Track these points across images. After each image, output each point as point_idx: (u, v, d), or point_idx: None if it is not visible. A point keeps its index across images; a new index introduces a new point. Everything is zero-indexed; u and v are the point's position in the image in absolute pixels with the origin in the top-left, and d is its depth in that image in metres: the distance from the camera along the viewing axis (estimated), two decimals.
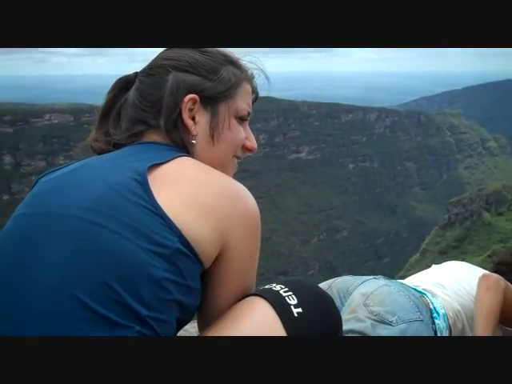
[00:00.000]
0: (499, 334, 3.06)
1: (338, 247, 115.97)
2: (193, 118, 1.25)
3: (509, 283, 2.93)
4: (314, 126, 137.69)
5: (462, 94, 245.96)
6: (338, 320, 1.30)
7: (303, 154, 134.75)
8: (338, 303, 2.50)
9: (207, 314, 1.18)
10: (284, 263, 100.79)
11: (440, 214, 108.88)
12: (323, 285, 2.60)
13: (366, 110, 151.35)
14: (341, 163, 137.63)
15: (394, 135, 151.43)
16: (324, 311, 1.23)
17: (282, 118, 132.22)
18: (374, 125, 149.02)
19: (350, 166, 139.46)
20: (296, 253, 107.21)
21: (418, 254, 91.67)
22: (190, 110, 1.25)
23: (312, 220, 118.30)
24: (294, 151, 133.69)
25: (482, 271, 3.10)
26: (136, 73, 1.39)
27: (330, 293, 2.56)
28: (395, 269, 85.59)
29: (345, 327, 2.14)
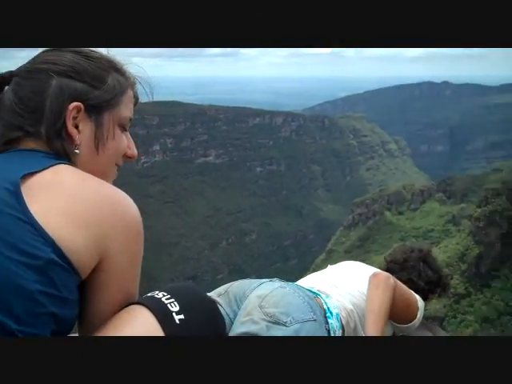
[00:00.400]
0: (390, 330, 3.21)
1: (246, 250, 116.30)
2: (76, 127, 1.18)
3: (399, 281, 3.06)
4: (222, 130, 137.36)
5: (363, 98, 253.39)
6: (221, 325, 1.29)
7: (211, 158, 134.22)
8: (234, 307, 2.53)
9: (88, 324, 1.13)
10: (193, 268, 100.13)
11: (344, 215, 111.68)
12: (220, 289, 2.58)
13: (272, 114, 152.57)
14: (248, 166, 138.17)
15: (299, 139, 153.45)
16: (207, 317, 1.22)
17: (190, 122, 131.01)
18: (281, 128, 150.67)
19: (258, 169, 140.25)
20: (205, 257, 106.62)
21: (323, 254, 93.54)
22: (74, 118, 1.18)
23: (220, 223, 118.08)
24: (202, 155, 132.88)
25: (374, 270, 3.23)
26: (11, 72, 1.27)
27: (226, 297, 2.61)
28: (302, 270, 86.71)
29: (240, 330, 2.21)
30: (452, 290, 74.53)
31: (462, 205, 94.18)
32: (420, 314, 3.12)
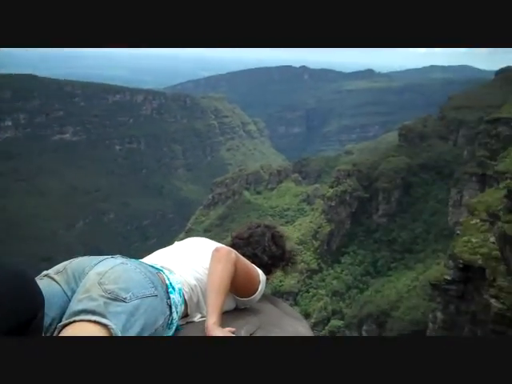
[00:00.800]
0: (232, 304, 3.27)
1: (104, 230, 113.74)
2: None
3: (241, 256, 3.12)
4: (80, 106, 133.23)
5: (225, 78, 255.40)
6: (37, 302, 1.22)
7: (67, 135, 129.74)
8: (72, 285, 2.46)
9: None
10: (47, 249, 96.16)
11: (204, 194, 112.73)
12: (59, 266, 2.56)
13: (133, 92, 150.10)
14: (107, 145, 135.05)
15: (160, 117, 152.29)
16: (21, 293, 1.15)
17: (45, 97, 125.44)
18: (141, 106, 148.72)
19: (117, 147, 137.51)
20: (60, 237, 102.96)
21: (183, 234, 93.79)
22: None
23: (77, 203, 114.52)
24: (58, 132, 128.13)
25: (217, 245, 3.27)
26: None
27: (64, 274, 2.52)
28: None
29: (77, 307, 2.18)
30: (305, 266, 78.18)
31: (316, 185, 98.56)
32: (261, 287, 3.26)
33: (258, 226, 3.78)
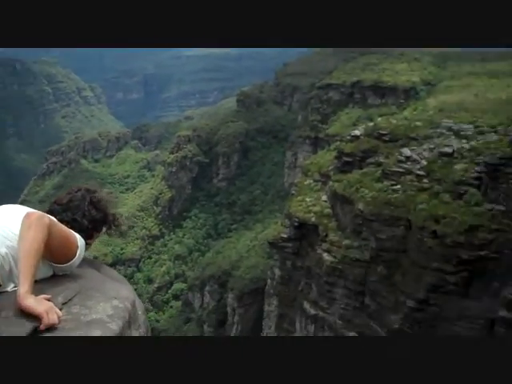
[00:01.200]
0: (49, 271, 3.14)
1: None
2: None
3: (56, 221, 2.99)
4: None
5: None
6: None
7: None
8: None
9: None
10: None
11: (38, 164, 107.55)
12: None
13: None
14: None
15: None
16: None
17: None
18: None
19: None
20: None
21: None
22: None
23: None
24: None
25: (29, 211, 3.11)
26: None
27: None
28: None
29: None
30: (147, 233, 78.29)
31: (156, 151, 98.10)
32: (80, 253, 3.23)
33: (79, 190, 3.73)
